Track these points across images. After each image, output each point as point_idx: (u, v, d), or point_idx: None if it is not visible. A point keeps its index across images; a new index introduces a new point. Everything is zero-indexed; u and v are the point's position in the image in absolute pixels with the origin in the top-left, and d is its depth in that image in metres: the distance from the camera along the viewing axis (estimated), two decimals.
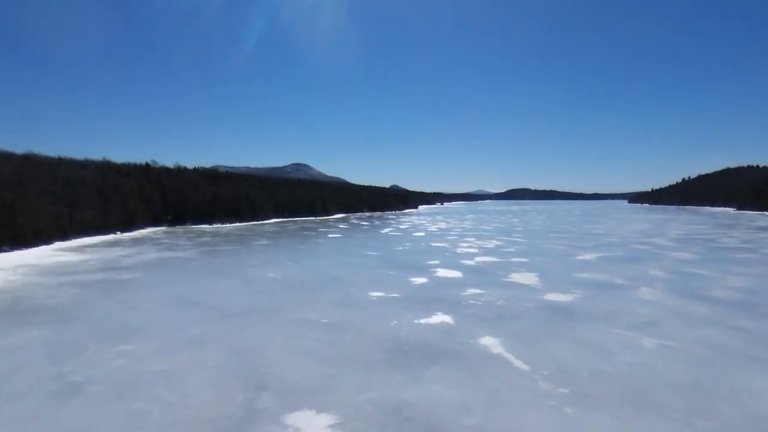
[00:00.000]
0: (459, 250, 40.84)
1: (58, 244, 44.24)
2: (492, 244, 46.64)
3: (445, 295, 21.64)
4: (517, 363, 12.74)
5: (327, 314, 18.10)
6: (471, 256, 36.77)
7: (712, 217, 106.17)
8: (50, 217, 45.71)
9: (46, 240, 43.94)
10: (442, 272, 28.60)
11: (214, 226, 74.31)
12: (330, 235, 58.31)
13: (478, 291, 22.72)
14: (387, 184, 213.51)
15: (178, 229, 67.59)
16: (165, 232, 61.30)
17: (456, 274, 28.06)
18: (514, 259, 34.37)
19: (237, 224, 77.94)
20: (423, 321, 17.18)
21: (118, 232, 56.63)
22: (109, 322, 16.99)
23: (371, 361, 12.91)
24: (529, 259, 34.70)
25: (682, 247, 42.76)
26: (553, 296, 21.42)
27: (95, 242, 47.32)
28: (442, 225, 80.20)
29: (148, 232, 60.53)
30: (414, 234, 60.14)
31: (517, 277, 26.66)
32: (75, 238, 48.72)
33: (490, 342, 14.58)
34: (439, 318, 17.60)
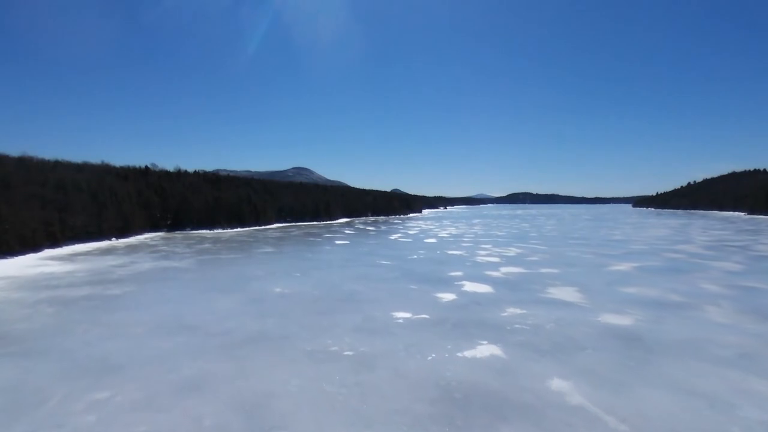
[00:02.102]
0: (479, 259, 37.75)
1: (47, 252, 41.30)
2: (512, 252, 43.55)
3: (483, 317, 18.57)
4: (612, 422, 9.66)
5: (350, 344, 15.04)
6: (494, 266, 33.67)
7: (728, 222, 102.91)
8: (39, 223, 42.77)
9: (35, 247, 41.00)
10: (469, 286, 25.53)
11: (215, 231, 71.37)
12: (337, 242, 55.26)
13: (518, 311, 19.65)
14: (388, 188, 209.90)
15: (178, 234, 64.64)
16: (163, 239, 58.32)
17: (485, 288, 24.99)
18: (543, 270, 31.28)
19: (239, 230, 75.00)
20: (468, 354, 14.10)
21: (114, 239, 53.67)
22: (85, 356, 13.93)
23: (418, 419, 9.84)
24: (560, 270, 31.61)
25: (718, 255, 39.62)
26: (609, 318, 18.33)
27: (88, 250, 44.34)
28: (452, 230, 77.12)
29: (146, 239, 57.56)
30: (425, 240, 57.06)
31: (556, 293, 23.57)
32: (67, 245, 45.81)
33: (562, 387, 11.50)
34: (486, 349, 14.52)
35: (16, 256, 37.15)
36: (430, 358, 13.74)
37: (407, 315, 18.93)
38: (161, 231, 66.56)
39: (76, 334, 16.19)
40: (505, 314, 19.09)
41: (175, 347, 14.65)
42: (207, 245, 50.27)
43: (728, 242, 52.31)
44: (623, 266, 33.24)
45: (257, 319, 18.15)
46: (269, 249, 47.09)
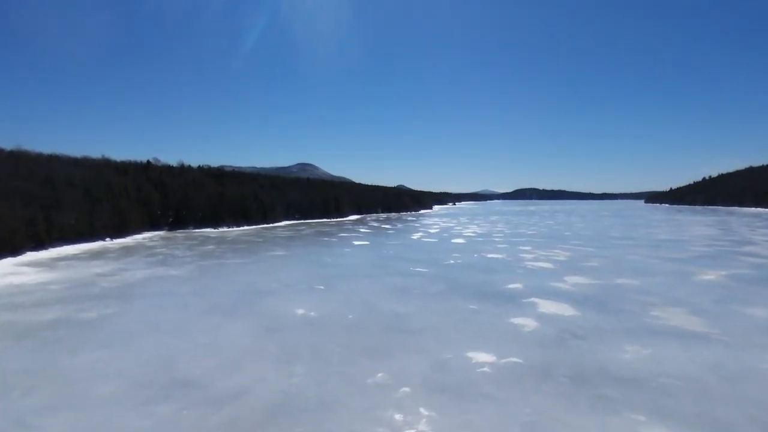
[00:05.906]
0: (529, 265, 32.15)
1: (28, 256, 36.12)
2: (560, 255, 37.87)
3: (600, 361, 13.02)
4: None
5: (431, 420, 9.54)
6: (553, 275, 28.06)
7: (762, 218, 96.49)
8: (20, 222, 37.56)
9: (14, 251, 35.78)
10: (544, 306, 19.97)
11: (220, 230, 66.09)
12: (355, 243, 49.76)
13: (641, 350, 14.09)
14: (393, 184, 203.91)
15: (179, 234, 59.41)
16: (163, 239, 53.08)
17: (567, 309, 19.41)
18: (619, 281, 25.65)
19: (245, 228, 69.68)
20: None
21: (108, 239, 48.41)
22: None
23: None
24: (638, 280, 25.96)
25: None
26: None
27: (75, 252, 39.12)
28: (475, 228, 71.40)
29: (144, 239, 52.32)
30: (453, 241, 51.44)
31: (665, 317, 17.97)
32: (53, 247, 40.59)
33: None
34: None
35: None
36: None
37: (491, 358, 13.40)
38: (161, 230, 61.33)
39: (13, 395, 10.79)
40: (628, 356, 13.53)
41: (159, 429, 9.19)
42: (211, 246, 44.95)
43: None
44: (711, 275, 27.55)
45: (280, 367, 12.67)
46: (281, 252, 41.68)
